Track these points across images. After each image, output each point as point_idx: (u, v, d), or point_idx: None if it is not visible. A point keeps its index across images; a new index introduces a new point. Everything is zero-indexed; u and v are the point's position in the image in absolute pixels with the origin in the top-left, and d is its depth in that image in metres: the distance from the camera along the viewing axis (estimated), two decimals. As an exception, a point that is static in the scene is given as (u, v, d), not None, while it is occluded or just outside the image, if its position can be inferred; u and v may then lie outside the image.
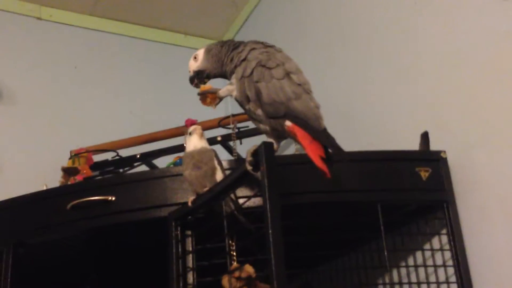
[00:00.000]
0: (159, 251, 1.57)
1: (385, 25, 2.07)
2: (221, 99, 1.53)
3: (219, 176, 1.47)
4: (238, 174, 1.35)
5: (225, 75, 1.53)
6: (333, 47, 2.36)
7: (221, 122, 2.28)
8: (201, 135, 1.50)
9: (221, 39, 3.11)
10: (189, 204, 1.48)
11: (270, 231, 1.20)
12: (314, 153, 1.32)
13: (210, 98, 1.54)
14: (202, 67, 1.54)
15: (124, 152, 2.39)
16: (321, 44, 2.43)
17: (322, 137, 1.34)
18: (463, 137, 1.68)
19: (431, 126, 1.75)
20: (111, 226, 1.68)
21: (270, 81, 1.40)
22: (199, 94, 1.55)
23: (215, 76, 1.55)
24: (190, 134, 1.52)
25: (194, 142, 1.50)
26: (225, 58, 1.50)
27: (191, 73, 1.55)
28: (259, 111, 1.41)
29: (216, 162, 1.48)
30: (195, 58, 1.55)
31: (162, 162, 2.31)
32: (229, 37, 3.12)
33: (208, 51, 1.53)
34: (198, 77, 1.55)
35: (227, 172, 1.50)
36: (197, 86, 1.56)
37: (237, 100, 1.47)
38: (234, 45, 1.51)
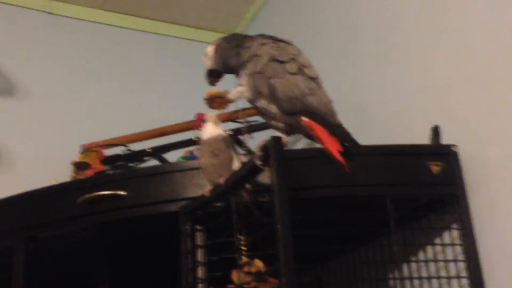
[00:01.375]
0: (170, 245, 1.57)
1: (397, 19, 2.05)
2: (231, 102, 1.51)
3: (236, 165, 1.45)
4: (248, 169, 1.35)
5: (233, 72, 1.51)
6: (345, 42, 2.34)
7: (231, 116, 2.27)
8: (216, 122, 1.49)
9: (232, 33, 3.11)
10: (207, 194, 1.47)
11: (279, 226, 1.20)
12: (333, 147, 1.32)
13: (218, 102, 1.53)
14: (214, 65, 1.52)
15: (135, 147, 2.40)
16: (332, 38, 2.42)
17: (339, 131, 1.34)
18: (475, 131, 1.67)
19: (442, 120, 1.74)
20: (122, 221, 1.69)
21: (285, 77, 1.39)
22: (206, 99, 1.53)
23: (226, 73, 1.54)
24: (205, 122, 1.51)
25: (210, 130, 1.48)
26: (231, 54, 1.48)
27: (206, 71, 1.54)
28: (273, 108, 1.39)
29: (233, 152, 1.47)
30: (206, 55, 1.53)
31: (173, 156, 2.31)
32: (240, 31, 3.11)
33: (216, 49, 1.51)
34: (212, 75, 1.54)
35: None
36: (212, 83, 1.55)
37: (248, 99, 1.46)
38: (240, 40, 1.49)
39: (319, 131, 1.34)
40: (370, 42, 2.19)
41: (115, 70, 2.92)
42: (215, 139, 1.46)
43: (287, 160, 1.29)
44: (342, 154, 1.30)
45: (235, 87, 1.48)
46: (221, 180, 1.43)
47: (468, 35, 1.74)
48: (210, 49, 1.53)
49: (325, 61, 2.37)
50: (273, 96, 1.38)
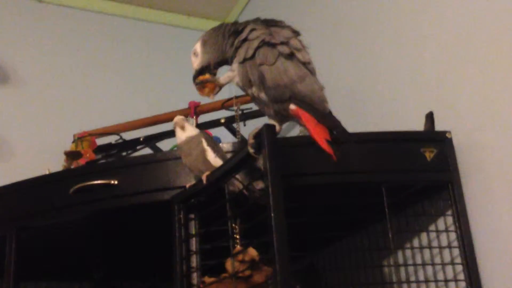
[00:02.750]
0: (164, 234, 1.56)
1: (391, 4, 2.04)
2: (221, 87, 1.48)
3: (210, 156, 1.48)
4: (241, 157, 1.34)
5: (227, 62, 1.47)
6: (339, 27, 2.33)
7: (224, 104, 2.26)
8: (182, 126, 1.52)
9: (224, 20, 3.09)
10: (204, 182, 1.47)
11: (272, 214, 1.19)
12: (320, 136, 1.30)
13: (208, 87, 1.50)
14: (204, 62, 1.47)
15: (128, 135, 2.38)
16: (326, 24, 2.41)
17: (327, 120, 1.32)
18: (469, 117, 1.66)
19: (437, 107, 1.73)
20: (114, 210, 1.68)
21: (274, 64, 1.36)
22: (197, 83, 1.49)
23: (220, 65, 1.50)
24: (174, 127, 1.54)
25: (178, 136, 1.53)
26: (224, 45, 1.45)
27: (194, 72, 1.49)
28: (263, 95, 1.37)
29: (205, 144, 1.49)
30: (194, 54, 1.48)
31: (166, 145, 2.30)
32: (233, 17, 3.09)
33: (204, 43, 1.47)
34: (204, 73, 1.49)
35: (230, 154, 1.49)
36: (198, 85, 1.49)
37: (239, 86, 1.44)
38: (232, 30, 1.45)
39: (307, 119, 1.32)
40: (364, 28, 2.17)
41: (106, 58, 2.89)
42: (185, 142, 1.51)
43: (280, 148, 1.28)
44: (330, 142, 1.28)
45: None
46: (205, 176, 1.46)
47: (462, 21, 1.73)
48: (197, 46, 1.47)
49: (320, 47, 2.36)
50: (262, 84, 1.36)
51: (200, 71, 1.49)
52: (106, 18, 2.97)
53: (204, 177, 1.47)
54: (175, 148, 2.10)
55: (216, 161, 1.48)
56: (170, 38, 3.06)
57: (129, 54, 2.97)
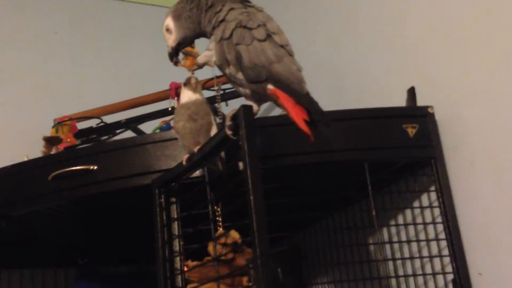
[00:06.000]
0: (147, 218, 1.54)
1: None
2: (200, 66, 1.45)
3: (214, 132, 1.41)
4: (219, 139, 1.32)
5: (205, 35, 1.46)
6: (319, 3, 2.29)
7: (205, 84, 2.23)
8: (196, 86, 1.44)
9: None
10: (184, 163, 1.42)
11: (251, 196, 1.17)
12: (298, 116, 1.28)
13: (190, 61, 1.48)
14: (180, 37, 1.44)
15: (110, 119, 2.35)
16: (305, 1, 2.37)
17: (305, 101, 1.30)
18: (450, 92, 1.64)
19: (418, 82, 1.71)
20: (95, 196, 1.65)
21: (251, 44, 1.34)
22: (182, 52, 1.46)
23: (197, 37, 1.49)
24: (184, 85, 1.46)
25: (188, 94, 1.43)
26: (202, 18, 1.42)
27: (169, 50, 1.46)
28: (240, 75, 1.35)
29: (212, 117, 1.43)
30: (167, 30, 1.45)
31: (148, 128, 2.27)
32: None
33: (177, 17, 1.44)
34: (181, 48, 1.46)
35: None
36: (176, 64, 1.47)
37: (216, 65, 1.41)
38: (209, 2, 1.41)
39: (284, 99, 1.30)
40: (345, 4, 2.14)
41: (85, 40, 2.84)
42: (194, 103, 1.42)
43: (259, 128, 1.26)
44: (308, 123, 1.26)
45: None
46: (196, 149, 1.40)
47: (443, -7, 1.70)
48: (169, 22, 1.44)
49: (300, 24, 2.33)
50: (239, 64, 1.34)
51: (176, 48, 1.46)
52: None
53: (184, 159, 1.44)
54: (157, 131, 2.08)
55: None
56: (149, 18, 3.00)
57: (108, 35, 2.91)
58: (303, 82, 1.32)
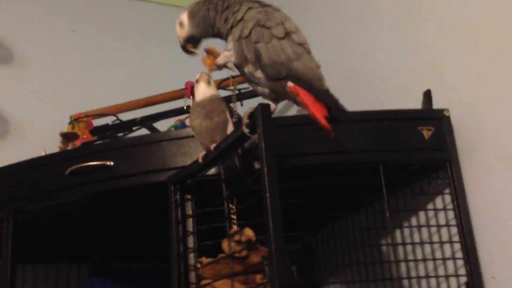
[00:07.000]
0: (161, 215, 1.56)
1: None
2: (219, 67, 1.45)
3: (230, 129, 1.41)
4: (236, 137, 1.33)
5: (220, 36, 1.47)
6: (336, 5, 2.30)
7: (221, 84, 2.24)
8: (209, 82, 1.43)
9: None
10: (200, 160, 1.43)
11: (267, 195, 1.18)
12: (319, 112, 1.29)
13: (211, 60, 1.48)
14: (191, 32, 1.47)
15: (125, 116, 2.37)
16: (322, 2, 2.38)
17: (325, 97, 1.32)
18: (466, 95, 1.64)
19: (434, 84, 1.71)
20: (111, 191, 1.67)
21: (270, 42, 1.36)
22: (205, 50, 1.47)
23: (205, 38, 1.50)
24: (197, 81, 1.45)
25: (202, 90, 1.43)
26: (217, 20, 1.43)
27: (182, 42, 1.48)
28: (259, 73, 1.36)
29: (228, 114, 1.43)
30: (180, 24, 1.47)
31: (163, 126, 2.28)
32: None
33: (193, 15, 1.46)
34: (191, 42, 1.49)
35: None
36: (190, 53, 1.50)
37: (235, 64, 1.42)
38: (225, 4, 1.43)
39: (305, 96, 1.31)
40: (361, 6, 2.14)
41: (103, 39, 2.86)
42: (209, 100, 1.41)
43: (276, 128, 1.27)
44: (328, 120, 1.27)
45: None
46: (213, 147, 1.40)
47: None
48: (184, 17, 1.47)
49: (317, 25, 2.33)
50: (258, 62, 1.35)
51: (188, 41, 1.48)
52: (103, -1, 2.95)
53: (200, 157, 1.45)
54: (172, 129, 2.09)
55: None
56: (166, 18, 3.00)
57: (125, 34, 2.93)
58: (323, 79, 1.34)
